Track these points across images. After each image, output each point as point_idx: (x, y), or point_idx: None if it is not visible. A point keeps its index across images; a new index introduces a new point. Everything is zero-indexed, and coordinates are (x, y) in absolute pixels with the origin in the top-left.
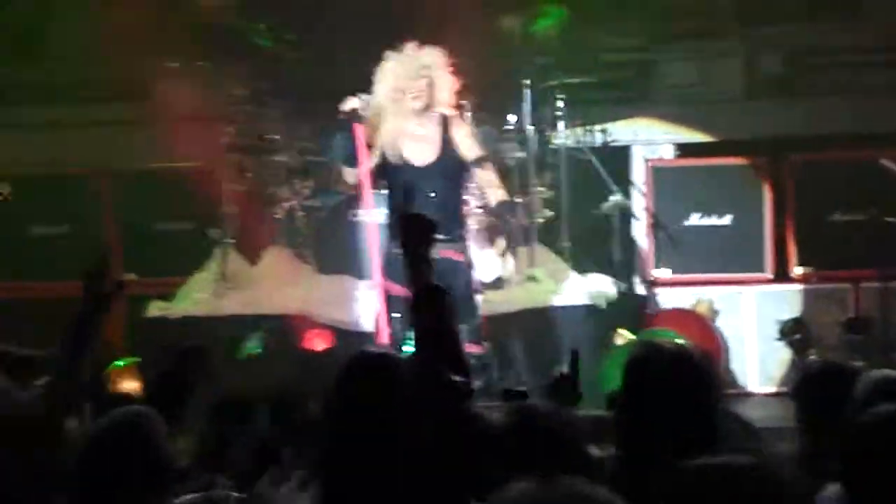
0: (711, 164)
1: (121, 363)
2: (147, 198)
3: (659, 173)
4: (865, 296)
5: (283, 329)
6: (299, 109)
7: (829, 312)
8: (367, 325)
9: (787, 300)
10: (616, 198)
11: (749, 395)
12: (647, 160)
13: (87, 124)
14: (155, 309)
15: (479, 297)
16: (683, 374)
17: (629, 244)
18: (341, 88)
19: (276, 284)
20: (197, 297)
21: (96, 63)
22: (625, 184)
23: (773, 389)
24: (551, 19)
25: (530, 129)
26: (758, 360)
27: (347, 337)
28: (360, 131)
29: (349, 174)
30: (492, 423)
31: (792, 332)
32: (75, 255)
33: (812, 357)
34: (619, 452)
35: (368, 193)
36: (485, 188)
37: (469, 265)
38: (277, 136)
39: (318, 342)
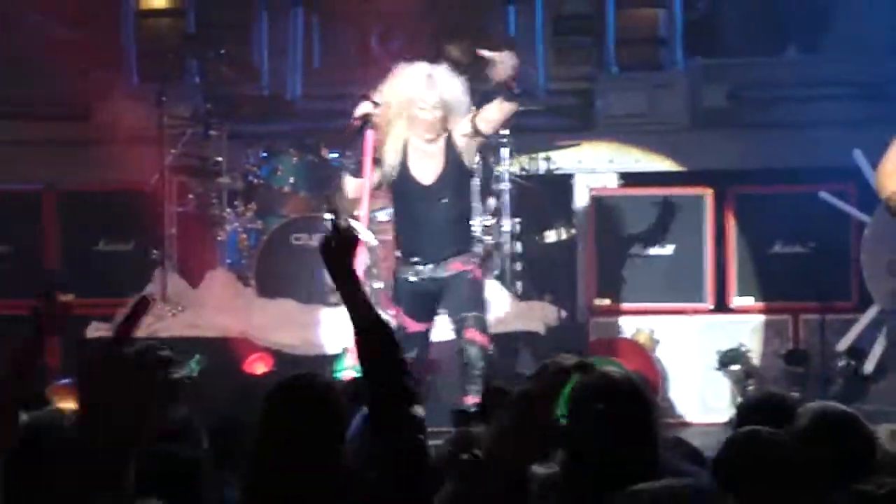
0: (654, 194)
1: (59, 383)
2: (88, 218)
3: (601, 202)
4: (804, 327)
5: (223, 352)
6: (244, 132)
7: (768, 343)
8: (308, 349)
9: (726, 331)
10: (559, 226)
11: (688, 424)
12: (590, 189)
13: (30, 142)
14: (94, 330)
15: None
16: (630, 401)
17: (571, 272)
18: (286, 111)
19: (217, 307)
20: None
21: (41, 81)
22: (568, 212)
23: (713, 420)
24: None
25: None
26: (697, 391)
27: (288, 361)
28: (370, 139)
29: (350, 185)
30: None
31: (731, 362)
32: (16, 273)
33: (751, 388)
34: (564, 478)
35: (364, 209)
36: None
37: (479, 278)
38: (221, 159)
39: (259, 366)
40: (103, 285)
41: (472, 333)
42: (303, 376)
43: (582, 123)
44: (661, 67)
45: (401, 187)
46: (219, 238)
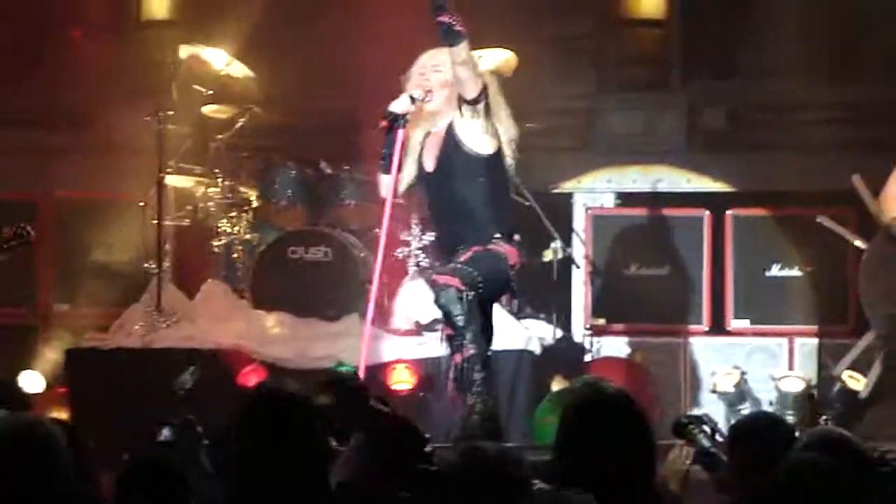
0: (652, 215)
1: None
2: (84, 227)
3: (599, 222)
4: (800, 351)
5: (217, 364)
6: (242, 145)
7: (763, 366)
8: (302, 362)
9: (722, 352)
10: (556, 245)
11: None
12: (587, 208)
13: (28, 150)
14: (88, 340)
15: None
16: (624, 417)
17: (568, 291)
18: (285, 124)
19: (211, 318)
20: (131, 329)
21: (41, 89)
22: (566, 231)
23: None
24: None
25: None
26: (692, 412)
27: (282, 374)
28: (399, 137)
29: (383, 182)
30: (444, 461)
31: (726, 385)
32: (9, 282)
33: (745, 410)
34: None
35: (387, 209)
36: None
37: (504, 260)
38: (218, 171)
39: (253, 378)
40: (97, 296)
41: (443, 278)
42: (277, 389)
43: (581, 142)
44: (660, 88)
45: (419, 180)
46: (215, 250)
